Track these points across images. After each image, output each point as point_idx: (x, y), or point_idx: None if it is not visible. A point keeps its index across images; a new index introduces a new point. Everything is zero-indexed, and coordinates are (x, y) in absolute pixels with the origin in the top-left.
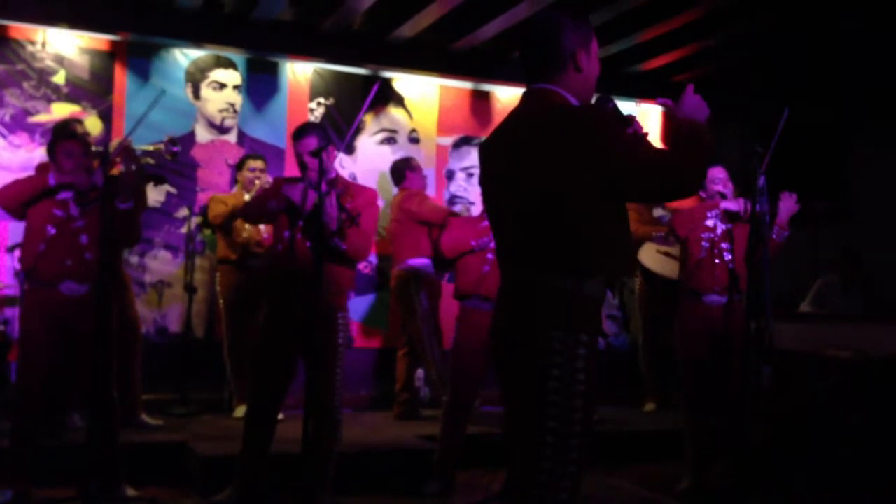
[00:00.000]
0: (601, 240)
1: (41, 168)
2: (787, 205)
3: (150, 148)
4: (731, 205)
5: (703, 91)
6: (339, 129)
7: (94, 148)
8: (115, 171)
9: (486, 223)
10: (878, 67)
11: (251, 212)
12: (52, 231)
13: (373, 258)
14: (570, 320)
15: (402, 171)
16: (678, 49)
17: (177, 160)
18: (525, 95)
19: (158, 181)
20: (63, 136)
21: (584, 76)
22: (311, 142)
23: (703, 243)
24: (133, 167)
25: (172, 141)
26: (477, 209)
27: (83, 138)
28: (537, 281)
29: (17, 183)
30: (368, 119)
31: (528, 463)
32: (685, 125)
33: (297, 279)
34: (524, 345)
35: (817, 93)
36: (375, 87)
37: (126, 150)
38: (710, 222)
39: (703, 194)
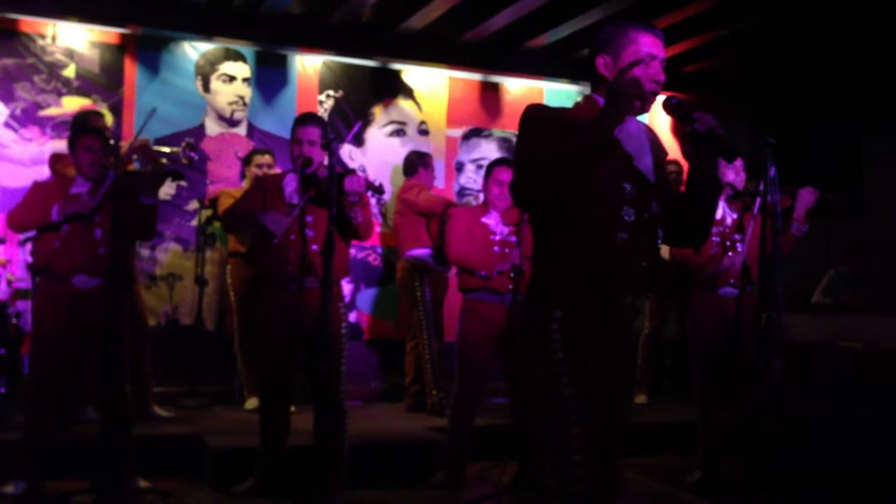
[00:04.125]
0: (578, 234)
1: (54, 159)
2: (806, 199)
3: (167, 150)
4: (730, 174)
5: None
6: (348, 121)
7: (110, 142)
8: (130, 167)
9: (486, 218)
10: (891, 60)
11: (230, 228)
12: (67, 227)
13: (380, 249)
14: (545, 301)
15: (416, 165)
16: (690, 39)
17: (192, 166)
18: None
19: (176, 177)
20: (82, 130)
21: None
22: (313, 131)
23: (714, 238)
24: (150, 166)
25: (190, 146)
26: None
27: (102, 132)
28: (533, 274)
29: (25, 209)
30: (378, 111)
31: (535, 447)
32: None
33: (298, 271)
34: (520, 334)
35: (830, 84)
36: (357, 126)
37: (144, 149)
38: (717, 214)
39: None
